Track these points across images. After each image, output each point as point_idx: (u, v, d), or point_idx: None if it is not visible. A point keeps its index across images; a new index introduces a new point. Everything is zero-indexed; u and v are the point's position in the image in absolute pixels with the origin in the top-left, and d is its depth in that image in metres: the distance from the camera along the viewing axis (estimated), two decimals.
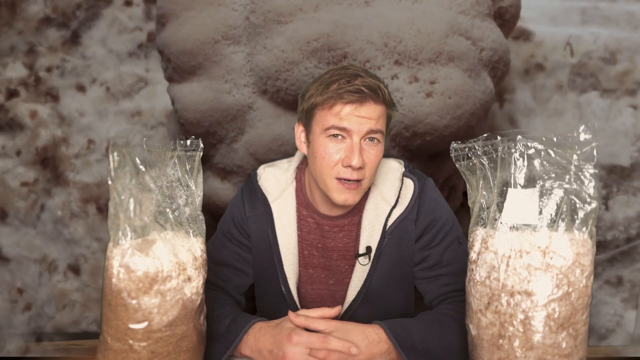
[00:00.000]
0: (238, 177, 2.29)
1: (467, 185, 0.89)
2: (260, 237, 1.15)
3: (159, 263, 0.81)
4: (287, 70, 2.07)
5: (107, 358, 0.83)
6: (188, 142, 0.87)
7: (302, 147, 1.12)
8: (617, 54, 2.52)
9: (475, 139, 0.87)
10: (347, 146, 1.02)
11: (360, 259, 1.13)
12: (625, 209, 2.52)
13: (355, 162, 1.00)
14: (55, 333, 2.54)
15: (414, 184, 1.14)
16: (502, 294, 0.80)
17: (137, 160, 0.81)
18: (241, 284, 1.18)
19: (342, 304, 1.16)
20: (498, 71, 2.21)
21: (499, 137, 0.83)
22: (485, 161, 0.85)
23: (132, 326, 0.81)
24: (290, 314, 0.97)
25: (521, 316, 0.79)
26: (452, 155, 0.90)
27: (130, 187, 0.80)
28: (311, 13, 2.09)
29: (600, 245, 2.50)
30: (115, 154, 0.79)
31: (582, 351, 0.79)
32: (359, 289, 1.14)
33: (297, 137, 1.13)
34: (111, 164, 0.78)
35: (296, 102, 1.94)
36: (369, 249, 1.12)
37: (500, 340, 0.81)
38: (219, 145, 2.25)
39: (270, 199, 1.15)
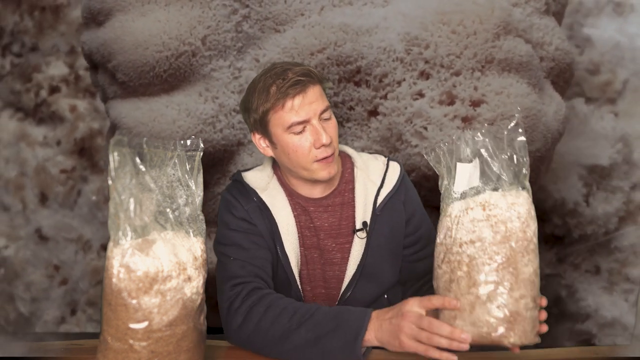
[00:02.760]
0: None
1: (439, 175, 1.03)
2: (262, 225, 1.19)
3: (159, 263, 0.81)
4: None
5: (107, 358, 0.83)
6: (188, 142, 0.88)
7: (267, 152, 1.21)
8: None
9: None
10: (312, 131, 1.12)
11: (358, 233, 1.21)
12: (605, 206, 2.73)
13: (325, 139, 1.11)
14: (88, 305, 2.93)
15: (400, 167, 1.28)
16: (453, 247, 0.92)
17: (138, 160, 0.81)
18: (272, 268, 1.19)
19: (337, 282, 1.23)
20: (562, 86, 1.81)
21: (454, 134, 1.02)
22: (444, 149, 0.99)
23: (132, 326, 0.81)
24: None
25: (466, 260, 0.90)
26: (424, 153, 1.04)
27: (130, 187, 0.80)
28: (314, 17, 1.69)
29: (581, 239, 2.76)
30: (116, 153, 0.79)
31: (525, 289, 0.88)
32: (357, 263, 1.21)
33: (259, 145, 1.22)
34: (111, 163, 0.78)
35: None
36: (364, 224, 1.21)
37: (451, 284, 0.91)
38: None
39: (259, 191, 1.22)
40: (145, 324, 0.81)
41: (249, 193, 1.21)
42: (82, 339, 1.02)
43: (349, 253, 1.22)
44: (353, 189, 1.25)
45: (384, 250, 1.23)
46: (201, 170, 0.89)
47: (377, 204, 1.22)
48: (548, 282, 2.76)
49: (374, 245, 1.21)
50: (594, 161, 2.75)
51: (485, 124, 0.99)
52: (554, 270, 2.79)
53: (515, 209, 0.90)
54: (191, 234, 0.88)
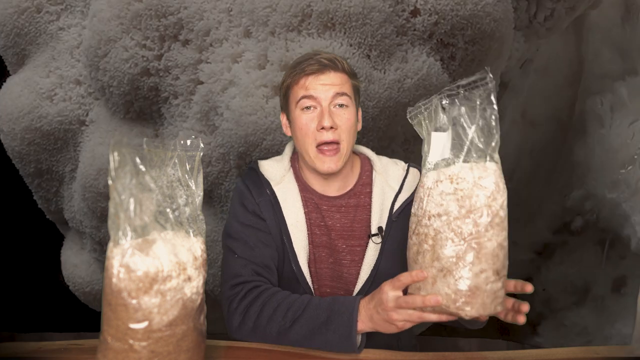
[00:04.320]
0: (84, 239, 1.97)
1: (422, 139, 1.03)
2: (271, 221, 1.20)
3: (159, 263, 0.81)
4: (105, 55, 1.59)
5: (107, 358, 0.83)
6: (188, 142, 0.88)
7: (287, 130, 1.25)
8: None
9: (422, 100, 1.03)
10: (318, 112, 1.15)
11: (374, 238, 1.21)
12: None
13: (327, 122, 1.12)
14: None
15: (420, 173, 1.24)
16: (423, 219, 0.95)
17: (138, 160, 0.81)
18: (276, 267, 1.20)
19: (344, 283, 1.23)
20: (450, 48, 1.71)
21: (434, 96, 1.00)
22: (425, 115, 1.00)
23: (132, 326, 0.81)
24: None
25: (432, 234, 0.92)
26: (408, 117, 1.05)
27: (130, 187, 0.80)
28: None
29: None
30: (116, 153, 0.79)
31: (486, 264, 0.89)
32: (371, 268, 1.20)
33: (283, 124, 1.26)
34: (111, 163, 0.78)
35: (127, 104, 1.76)
36: (380, 229, 1.21)
37: (418, 256, 0.95)
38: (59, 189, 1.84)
39: (272, 184, 1.23)
40: (145, 324, 0.81)
41: (263, 185, 1.22)
42: (82, 339, 1.03)
43: (359, 256, 1.22)
44: (370, 192, 1.24)
45: (396, 256, 1.21)
46: (201, 170, 0.90)
47: (394, 210, 1.22)
48: None
49: (388, 251, 1.21)
50: None
51: (461, 91, 0.95)
52: None
53: (481, 183, 0.91)
54: (191, 234, 0.88)
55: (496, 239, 0.90)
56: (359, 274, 1.21)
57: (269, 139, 1.65)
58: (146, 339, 0.81)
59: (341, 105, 1.15)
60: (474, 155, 0.93)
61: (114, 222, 0.80)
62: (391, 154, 1.31)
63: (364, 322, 1.00)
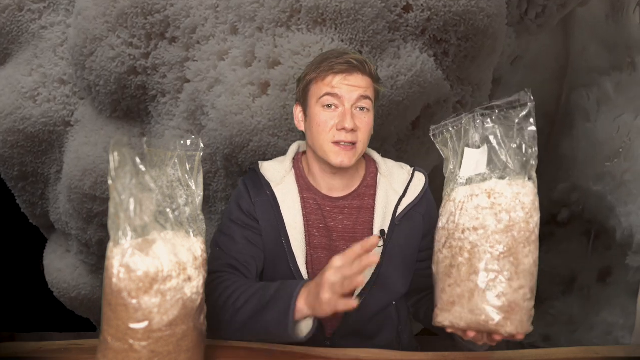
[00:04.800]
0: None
1: (444, 158, 1.02)
2: (268, 221, 1.20)
3: (159, 263, 0.81)
4: (91, 54, 1.57)
5: (107, 358, 0.83)
6: (188, 142, 0.88)
7: (300, 125, 1.24)
8: None
9: (448, 119, 1.03)
10: (340, 112, 1.13)
11: None
12: None
13: (348, 124, 1.11)
14: None
15: (425, 178, 1.26)
16: (456, 233, 0.93)
17: (138, 160, 0.80)
18: (257, 266, 1.19)
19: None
20: (443, 44, 1.67)
21: (464, 114, 1.00)
22: (453, 133, 0.99)
23: (132, 326, 0.80)
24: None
25: (468, 247, 0.90)
26: (431, 134, 1.04)
27: (130, 187, 0.80)
28: None
29: None
30: (116, 153, 0.78)
31: (524, 280, 0.88)
32: (372, 272, 1.20)
33: (296, 117, 1.24)
34: (111, 163, 0.78)
35: (114, 103, 1.72)
36: (382, 232, 1.20)
37: (452, 269, 0.91)
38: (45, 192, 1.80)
39: (272, 184, 1.22)
40: (145, 323, 0.81)
41: (263, 185, 1.22)
42: (82, 339, 1.02)
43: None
44: (374, 195, 1.23)
45: (397, 260, 1.22)
46: (201, 170, 0.89)
47: (397, 214, 1.21)
48: None
49: (389, 255, 1.20)
50: None
51: (496, 111, 0.95)
52: None
53: (520, 199, 0.90)
54: (191, 234, 0.88)
55: (532, 256, 0.89)
56: None
57: (255, 140, 1.61)
58: (146, 339, 0.81)
59: (362, 109, 1.14)
60: (511, 172, 0.93)
61: (114, 222, 0.80)
62: (384, 155, 1.30)
63: (302, 302, 0.95)
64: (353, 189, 1.23)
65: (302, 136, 1.33)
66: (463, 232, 0.92)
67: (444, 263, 0.95)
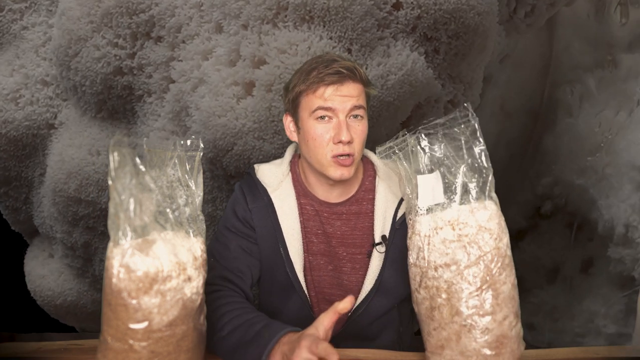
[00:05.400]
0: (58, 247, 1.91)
1: (398, 178, 0.99)
2: (265, 228, 1.18)
3: (159, 263, 0.81)
4: (76, 55, 1.55)
5: (107, 358, 0.83)
6: (188, 142, 0.87)
7: (293, 136, 1.20)
8: None
9: (391, 139, 1.00)
10: (335, 124, 1.10)
11: (378, 247, 1.18)
12: None
13: (345, 136, 1.08)
14: None
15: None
16: (429, 271, 0.89)
17: (138, 160, 0.80)
18: (252, 275, 1.18)
19: (344, 291, 1.19)
20: (434, 42, 1.65)
21: (407, 133, 0.96)
22: (401, 156, 0.95)
23: (132, 326, 0.80)
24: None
25: (444, 286, 0.87)
26: (378, 157, 1.02)
27: (130, 187, 0.79)
28: None
29: None
30: (116, 153, 0.78)
31: (507, 308, 0.87)
32: (375, 277, 1.18)
33: (287, 127, 1.20)
34: (111, 164, 0.77)
35: (100, 103, 1.71)
36: (384, 237, 1.18)
37: (433, 312, 0.89)
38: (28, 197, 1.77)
39: (269, 190, 1.19)
40: (145, 324, 0.81)
41: (259, 191, 1.19)
42: (82, 339, 1.02)
43: (360, 264, 1.19)
44: (373, 199, 1.21)
45: (399, 264, 1.18)
46: (201, 171, 0.89)
47: (397, 218, 1.19)
48: None
49: (391, 260, 1.18)
50: None
51: (440, 129, 0.92)
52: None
53: (485, 226, 0.87)
54: (191, 234, 0.88)
55: (509, 280, 0.87)
56: (360, 281, 1.19)
57: (240, 143, 1.57)
58: (146, 339, 0.81)
59: (356, 117, 1.12)
60: (470, 196, 0.89)
61: (114, 222, 0.80)
62: None
63: (276, 356, 0.92)
64: (351, 194, 1.21)
65: (290, 141, 1.30)
66: (436, 269, 0.88)
67: (423, 305, 0.92)
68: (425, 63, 1.63)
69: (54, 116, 1.76)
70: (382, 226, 1.19)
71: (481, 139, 0.89)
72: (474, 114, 0.90)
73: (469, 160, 0.89)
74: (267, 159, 1.58)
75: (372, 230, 1.19)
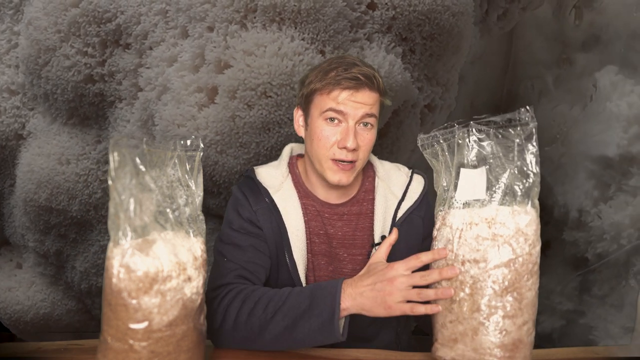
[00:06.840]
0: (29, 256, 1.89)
1: (434, 171, 0.97)
2: (270, 229, 1.16)
3: (159, 263, 0.81)
4: (46, 64, 1.54)
5: (107, 358, 0.82)
6: (188, 142, 0.87)
7: (300, 130, 1.20)
8: None
9: (437, 128, 0.96)
10: (343, 129, 1.09)
11: (378, 247, 1.15)
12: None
13: (350, 143, 1.07)
14: None
15: (425, 180, 1.24)
16: (455, 264, 0.88)
17: (138, 160, 0.80)
18: (265, 273, 1.16)
19: None
20: (409, 42, 1.62)
21: (456, 125, 0.93)
22: (445, 147, 0.93)
23: (132, 326, 0.80)
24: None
25: (470, 281, 0.87)
26: (419, 144, 0.99)
27: (130, 187, 0.79)
28: None
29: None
30: (116, 153, 0.78)
31: (527, 314, 0.86)
32: None
33: (296, 121, 1.20)
34: (111, 163, 0.77)
35: (71, 110, 1.69)
36: (384, 238, 1.17)
37: (452, 305, 0.88)
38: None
39: (271, 191, 1.18)
40: (145, 324, 0.81)
41: (261, 192, 1.18)
42: (82, 339, 1.00)
43: (361, 265, 1.18)
44: (373, 199, 1.21)
45: None
46: (201, 171, 0.89)
47: (397, 218, 1.19)
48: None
49: (391, 260, 1.14)
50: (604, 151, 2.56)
51: (492, 125, 0.89)
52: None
53: (523, 230, 0.86)
54: (191, 234, 0.88)
55: (534, 288, 0.86)
56: None
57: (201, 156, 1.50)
58: (146, 339, 0.81)
59: (366, 125, 1.10)
60: (514, 198, 0.87)
61: (114, 222, 0.79)
62: None
63: (348, 301, 0.95)
64: (352, 195, 1.21)
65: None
66: (463, 263, 0.87)
67: None
68: (402, 65, 1.60)
69: (22, 126, 1.75)
70: (382, 226, 1.18)
71: (535, 144, 0.87)
72: (534, 118, 0.87)
73: (518, 163, 0.87)
74: (230, 175, 1.49)
75: (372, 230, 1.19)
